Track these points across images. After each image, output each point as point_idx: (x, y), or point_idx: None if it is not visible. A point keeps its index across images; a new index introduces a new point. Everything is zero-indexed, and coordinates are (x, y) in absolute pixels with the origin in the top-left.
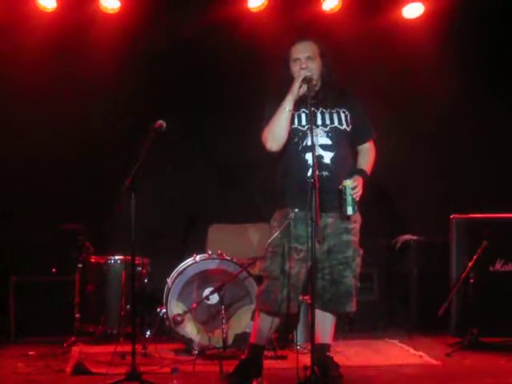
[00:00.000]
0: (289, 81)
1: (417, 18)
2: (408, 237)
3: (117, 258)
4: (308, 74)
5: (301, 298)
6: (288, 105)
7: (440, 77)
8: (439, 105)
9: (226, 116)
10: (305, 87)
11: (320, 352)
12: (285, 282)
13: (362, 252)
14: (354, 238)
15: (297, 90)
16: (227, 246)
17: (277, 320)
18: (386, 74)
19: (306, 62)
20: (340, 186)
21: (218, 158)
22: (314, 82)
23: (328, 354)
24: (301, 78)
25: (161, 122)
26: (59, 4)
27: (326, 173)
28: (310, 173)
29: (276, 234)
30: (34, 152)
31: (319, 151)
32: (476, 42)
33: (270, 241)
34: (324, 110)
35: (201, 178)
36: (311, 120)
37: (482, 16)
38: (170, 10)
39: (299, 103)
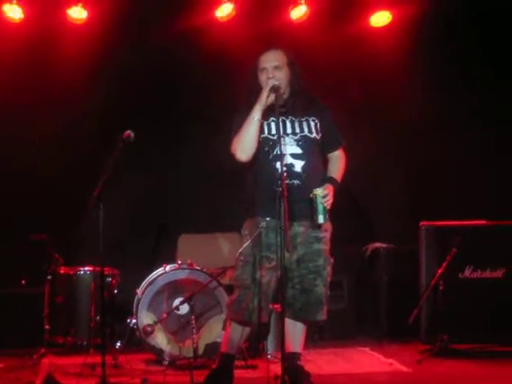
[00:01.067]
0: (257, 90)
1: (384, 27)
2: (378, 244)
3: (86, 268)
4: (275, 83)
5: (271, 306)
6: (256, 114)
7: (408, 84)
8: (408, 112)
9: (194, 125)
10: (272, 96)
11: (291, 361)
12: (256, 291)
13: (332, 261)
14: (325, 246)
15: (265, 99)
16: (197, 255)
17: (247, 329)
18: (354, 83)
19: (273, 71)
20: (311, 195)
21: (187, 167)
22: (282, 91)
23: (299, 362)
24: (268, 88)
25: (129, 131)
26: (26, 15)
27: (297, 181)
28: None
29: (247, 243)
30: (1, 162)
31: (289, 160)
32: (443, 48)
33: (241, 250)
34: (293, 119)
35: (170, 188)
36: (279, 129)
37: (449, 23)
38: (138, 19)
39: (268, 112)
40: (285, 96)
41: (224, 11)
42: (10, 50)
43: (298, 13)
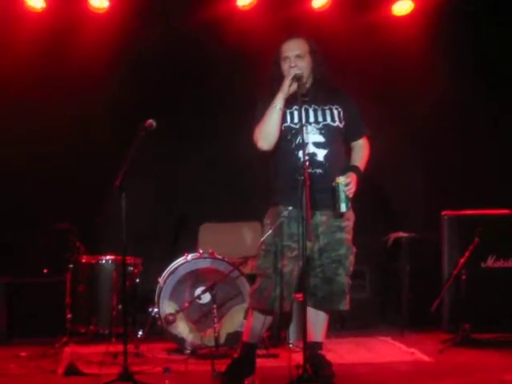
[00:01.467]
0: (280, 79)
1: (406, 15)
2: (400, 234)
3: (108, 257)
4: (298, 72)
5: (293, 296)
6: (279, 103)
7: (430, 73)
8: (430, 101)
9: (216, 115)
10: (295, 85)
11: (312, 350)
12: (278, 281)
13: (355, 250)
14: (348, 235)
15: (287, 88)
16: (219, 244)
17: (269, 318)
18: (376, 72)
19: (295, 60)
20: (333, 183)
21: (210, 156)
22: (304, 80)
23: (320, 352)
24: (290, 77)
25: (151, 120)
26: (48, 4)
27: (320, 170)
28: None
29: (269, 233)
30: (23, 152)
31: (312, 149)
32: (466, 38)
33: (263, 239)
34: (316, 107)
35: (192, 177)
36: (301, 118)
37: (472, 12)
38: (159, 8)
39: (291, 101)
40: (307, 85)
41: (246, 0)
42: (30, 40)
43: (320, 1)
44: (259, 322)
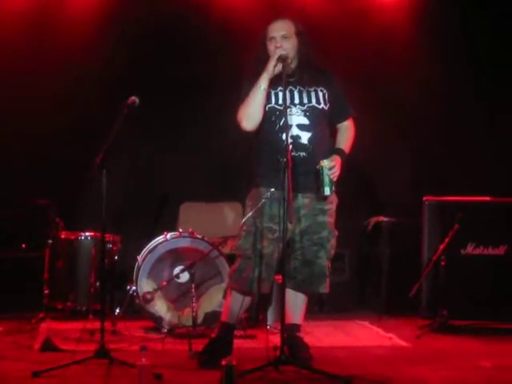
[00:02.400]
0: (265, 59)
1: None
2: (380, 218)
3: (87, 234)
4: (283, 52)
5: (273, 278)
6: (263, 83)
7: (418, 58)
8: (417, 87)
9: (200, 94)
10: (280, 66)
11: (290, 332)
12: (257, 261)
13: (337, 233)
14: (330, 219)
15: (272, 68)
16: (199, 224)
17: (248, 299)
18: (362, 56)
19: (281, 40)
20: (317, 166)
21: (193, 136)
22: (289, 61)
23: (298, 334)
24: (276, 57)
25: (133, 98)
26: None
27: (303, 153)
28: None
29: (251, 213)
30: (4, 126)
31: (296, 131)
32: (452, 23)
33: (244, 220)
34: (302, 89)
35: (174, 156)
36: (285, 99)
37: None
38: None
39: (277, 82)
40: (293, 66)
41: None
42: (14, 11)
43: None
44: (237, 303)
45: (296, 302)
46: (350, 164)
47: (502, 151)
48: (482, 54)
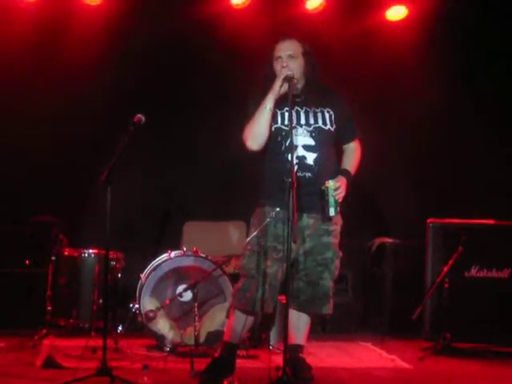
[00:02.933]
0: (272, 79)
1: (400, 21)
2: (384, 239)
3: (91, 251)
4: (289, 72)
5: (277, 298)
6: (268, 103)
7: (423, 80)
8: (420, 109)
9: (207, 113)
10: (286, 86)
11: (293, 353)
12: (261, 281)
13: (341, 254)
14: (335, 240)
15: (278, 88)
16: (202, 243)
17: (251, 319)
18: (368, 77)
19: (287, 60)
20: (322, 187)
21: (197, 154)
22: (295, 81)
23: (301, 355)
24: (282, 77)
25: (139, 115)
26: None
27: (309, 174)
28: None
29: (255, 233)
30: (8, 143)
31: (301, 152)
32: (459, 45)
33: (248, 239)
34: (308, 110)
35: (178, 174)
36: (291, 119)
37: (465, 19)
38: (153, 4)
39: (283, 102)
40: (299, 86)
41: None
42: (22, 30)
43: (314, 3)
44: (241, 322)
45: (299, 323)
46: (355, 185)
47: (507, 174)
48: (491, 77)
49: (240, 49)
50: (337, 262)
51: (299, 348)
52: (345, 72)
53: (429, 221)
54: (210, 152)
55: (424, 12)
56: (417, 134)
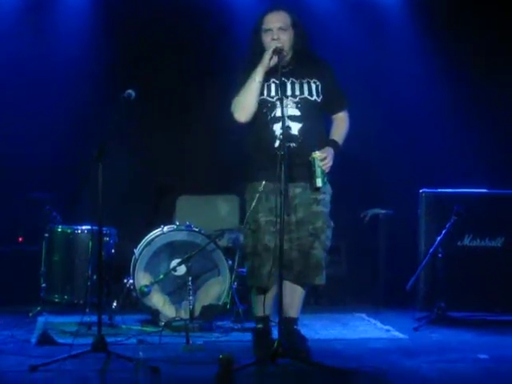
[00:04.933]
0: (260, 51)
1: None
2: (377, 210)
3: (84, 227)
4: (279, 45)
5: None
6: (258, 76)
7: (415, 53)
8: (413, 80)
9: (197, 85)
10: (275, 58)
11: (288, 325)
12: (266, 256)
13: (332, 224)
14: (324, 208)
15: (267, 61)
16: (196, 217)
17: (271, 292)
18: (359, 48)
19: (277, 32)
20: (309, 158)
21: (189, 128)
22: (285, 53)
23: (295, 327)
24: (271, 50)
25: (130, 91)
26: None
27: (293, 144)
28: (277, 144)
29: (250, 210)
30: (3, 120)
31: (287, 122)
32: (453, 20)
33: (246, 217)
34: (294, 80)
35: (171, 148)
36: (281, 91)
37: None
38: None
39: (269, 73)
40: (287, 57)
41: None
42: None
43: None
44: (261, 298)
45: (293, 295)
46: (346, 156)
47: (499, 143)
48: (486, 57)
49: (230, 20)
50: (328, 232)
51: (294, 320)
52: (337, 43)
53: (421, 190)
54: (202, 125)
55: None
56: (409, 104)
